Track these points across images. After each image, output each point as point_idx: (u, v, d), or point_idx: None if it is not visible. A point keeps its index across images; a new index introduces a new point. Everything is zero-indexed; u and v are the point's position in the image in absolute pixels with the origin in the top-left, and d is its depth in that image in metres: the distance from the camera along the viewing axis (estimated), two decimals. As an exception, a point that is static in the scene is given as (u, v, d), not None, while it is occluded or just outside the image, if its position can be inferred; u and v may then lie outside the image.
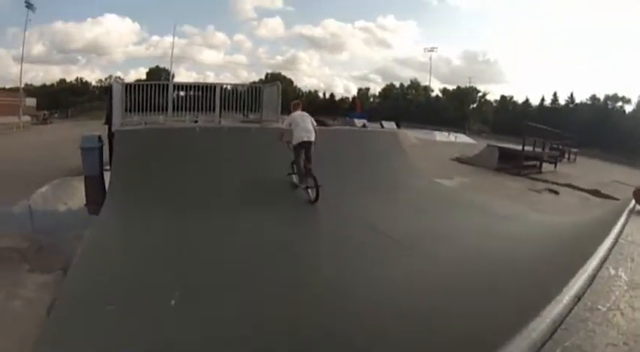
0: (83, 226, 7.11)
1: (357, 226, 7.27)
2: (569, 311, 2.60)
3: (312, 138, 8.64)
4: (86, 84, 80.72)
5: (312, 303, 4.27)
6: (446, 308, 3.92)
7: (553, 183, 16.29)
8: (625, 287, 2.99)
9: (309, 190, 8.53)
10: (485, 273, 5.07)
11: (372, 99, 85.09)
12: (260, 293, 4.39)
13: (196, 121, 13.09)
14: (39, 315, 4.17)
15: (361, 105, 69.76)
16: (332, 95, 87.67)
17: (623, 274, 3.22)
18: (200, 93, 12.97)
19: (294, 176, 9.19)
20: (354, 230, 7.09)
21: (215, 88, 13.14)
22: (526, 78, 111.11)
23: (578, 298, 2.76)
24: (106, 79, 78.57)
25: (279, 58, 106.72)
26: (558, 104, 66.96)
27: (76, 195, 10.41)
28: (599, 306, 2.68)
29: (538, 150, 20.87)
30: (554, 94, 67.87)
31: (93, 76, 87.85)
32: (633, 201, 5.78)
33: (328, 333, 3.65)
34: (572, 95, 66.22)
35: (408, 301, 4.25)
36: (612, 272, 3.25)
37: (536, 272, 4.29)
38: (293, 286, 4.76)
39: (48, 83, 79.36)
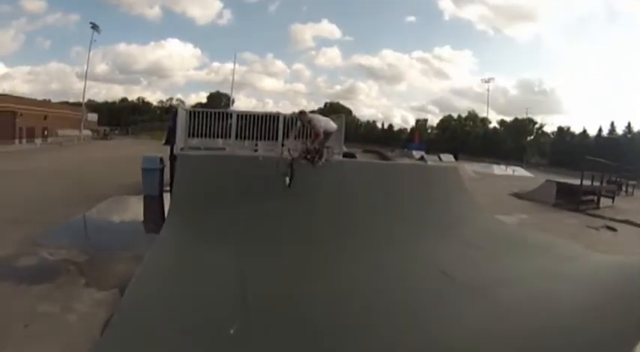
0: (139, 244, 7.32)
1: (421, 267, 7.07)
2: None
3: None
4: (147, 104, 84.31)
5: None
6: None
7: (611, 219, 15.68)
8: None
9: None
10: (554, 318, 4.88)
11: (429, 131, 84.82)
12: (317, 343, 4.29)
13: (256, 149, 13.25)
14: (93, 331, 4.27)
15: (419, 137, 69.51)
16: (390, 126, 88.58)
17: None
18: (263, 121, 13.13)
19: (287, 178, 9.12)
20: (418, 270, 6.90)
21: (278, 117, 13.30)
22: (584, 107, 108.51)
23: None
24: (167, 100, 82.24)
25: (338, 87, 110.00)
26: (616, 134, 64.73)
27: (133, 213, 10.78)
28: None
29: (596, 183, 20.27)
30: (612, 124, 65.86)
31: (154, 97, 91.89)
32: None
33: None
34: (629, 124, 63.96)
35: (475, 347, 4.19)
36: None
37: (606, 318, 4.16)
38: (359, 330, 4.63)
39: (110, 100, 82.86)
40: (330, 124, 9.25)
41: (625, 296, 5.30)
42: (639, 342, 2.73)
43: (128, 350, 3.74)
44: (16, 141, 38.58)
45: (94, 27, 57.10)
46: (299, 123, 9.37)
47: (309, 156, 9.00)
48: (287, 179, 8.93)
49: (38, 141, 40.61)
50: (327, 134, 9.11)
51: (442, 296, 5.75)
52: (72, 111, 55.98)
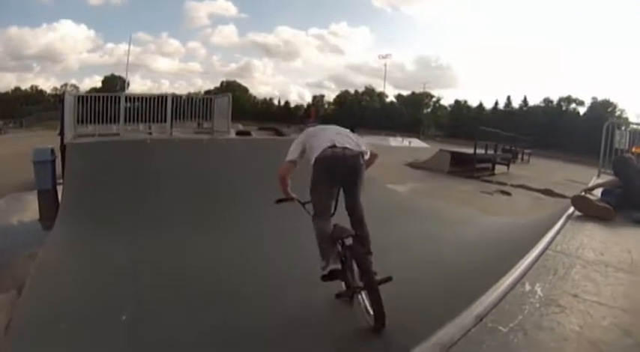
0: (37, 243, 7.09)
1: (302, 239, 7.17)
2: (465, 333, 2.59)
3: (355, 153, 4.28)
4: (41, 92, 79.12)
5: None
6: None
7: (506, 184, 16.82)
8: (537, 305, 2.95)
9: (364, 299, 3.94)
10: (437, 279, 5.21)
11: (326, 106, 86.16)
12: (206, 310, 4.50)
13: (150, 132, 13.07)
14: (-4, 336, 4.20)
15: (316, 112, 70.29)
16: (287, 102, 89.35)
17: (539, 290, 3.20)
18: (153, 104, 12.95)
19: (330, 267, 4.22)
20: (299, 243, 6.93)
21: (166, 98, 13.16)
22: (480, 82, 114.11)
23: (480, 318, 2.73)
24: (61, 87, 77.44)
25: (234, 65, 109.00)
26: (512, 107, 68.98)
27: (30, 210, 10.30)
28: (501, 327, 2.63)
29: (490, 152, 21.52)
30: (508, 98, 70.28)
31: (48, 84, 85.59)
32: (572, 207, 5.86)
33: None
34: (525, 98, 68.48)
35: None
36: (528, 288, 3.25)
37: (453, 288, 4.44)
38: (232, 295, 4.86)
39: (2, 91, 76.95)
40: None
41: (492, 252, 5.81)
42: (464, 311, 2.85)
43: (31, 348, 3.74)
44: None
45: (-17, 9, 52.77)
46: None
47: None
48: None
49: None
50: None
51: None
52: (-39, 107, 51.95)
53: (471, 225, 8.62)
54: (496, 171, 20.67)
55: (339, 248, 4.17)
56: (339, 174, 4.19)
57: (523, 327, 2.63)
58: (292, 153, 4.56)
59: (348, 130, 4.66)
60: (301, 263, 5.13)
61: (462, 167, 19.27)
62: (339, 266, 4.09)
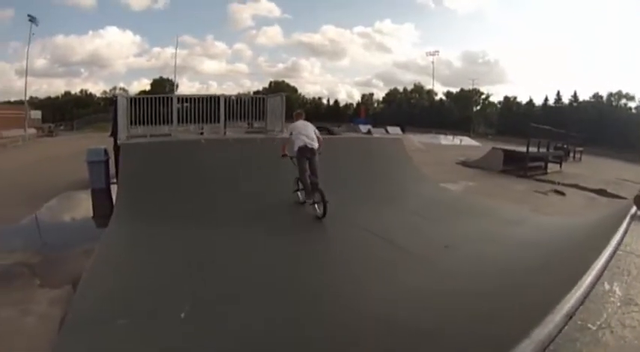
0: (91, 240, 7.18)
1: (365, 237, 7.18)
2: (559, 331, 2.61)
3: (315, 146, 8.27)
4: (91, 96, 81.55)
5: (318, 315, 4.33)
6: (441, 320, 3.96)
7: (559, 183, 16.25)
8: (618, 304, 2.98)
9: (316, 205, 8.06)
10: (494, 278, 5.08)
11: (376, 105, 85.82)
12: (265, 307, 4.44)
13: (202, 133, 13.15)
14: (52, 331, 4.21)
15: (366, 111, 70.02)
16: (336, 101, 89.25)
17: (617, 289, 3.22)
18: (204, 104, 13.04)
19: (299, 193, 8.86)
20: (362, 241, 7.02)
21: (219, 99, 13.22)
22: (529, 77, 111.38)
23: (570, 317, 2.75)
24: (110, 91, 79.63)
25: (281, 65, 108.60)
26: (562, 103, 66.96)
27: (83, 208, 10.53)
28: (590, 325, 2.67)
29: (543, 150, 20.89)
30: (558, 93, 68.14)
31: (96, 88, 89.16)
32: (634, 207, 5.65)
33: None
34: (575, 94, 66.29)
35: (414, 311, 4.28)
36: (607, 287, 3.25)
37: (532, 287, 4.27)
38: (300, 298, 4.79)
39: (53, 96, 79.88)
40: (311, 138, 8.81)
41: (562, 253, 5.58)
42: (553, 310, 2.81)
43: (86, 343, 3.69)
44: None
45: (32, 19, 54.68)
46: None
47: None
48: (300, 194, 8.96)
49: (-19, 144, 38.95)
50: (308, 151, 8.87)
51: (387, 263, 5.91)
52: (14, 110, 53.95)
53: (529, 224, 8.36)
54: (548, 170, 19.99)
55: (309, 182, 8.25)
56: (307, 155, 8.30)
57: (609, 325, 2.68)
58: (287, 135, 9.06)
59: (314, 132, 8.54)
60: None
61: (515, 165, 18.73)
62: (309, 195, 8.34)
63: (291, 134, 8.61)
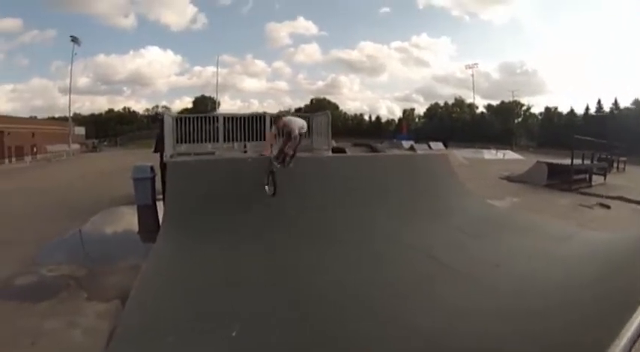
0: (135, 254, 7.34)
1: (412, 254, 7.15)
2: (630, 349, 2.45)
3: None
4: (134, 113, 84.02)
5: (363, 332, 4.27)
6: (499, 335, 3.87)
7: (604, 196, 15.76)
8: None
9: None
10: (544, 296, 4.92)
11: (417, 120, 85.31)
12: (312, 328, 4.40)
13: (245, 151, 13.27)
14: (99, 345, 4.28)
15: (407, 127, 69.70)
16: (377, 117, 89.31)
17: None
18: (248, 123, 13.23)
19: (267, 187, 8.93)
20: (409, 258, 6.99)
21: (265, 117, 13.38)
22: (568, 87, 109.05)
23: (634, 341, 2.54)
24: (153, 108, 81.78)
25: (320, 82, 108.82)
26: (603, 112, 65.02)
27: (128, 224, 10.80)
28: None
29: (586, 162, 20.37)
30: (599, 102, 66.26)
31: (138, 105, 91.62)
32: None
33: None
34: (616, 101, 64.33)
35: (465, 328, 4.21)
36: None
37: (595, 302, 4.14)
38: (350, 317, 4.70)
39: (96, 112, 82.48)
40: (304, 125, 9.22)
41: (617, 271, 5.32)
42: (634, 318, 2.66)
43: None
44: (6, 160, 38.42)
45: (74, 40, 57.09)
46: (274, 127, 9.43)
47: (279, 158, 8.90)
48: (267, 188, 8.90)
49: (28, 158, 40.46)
50: (301, 135, 9.18)
51: (431, 280, 5.84)
52: (59, 126, 55.92)
53: (576, 240, 8.10)
54: (593, 182, 19.44)
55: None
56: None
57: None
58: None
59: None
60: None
61: (559, 179, 18.31)
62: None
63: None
